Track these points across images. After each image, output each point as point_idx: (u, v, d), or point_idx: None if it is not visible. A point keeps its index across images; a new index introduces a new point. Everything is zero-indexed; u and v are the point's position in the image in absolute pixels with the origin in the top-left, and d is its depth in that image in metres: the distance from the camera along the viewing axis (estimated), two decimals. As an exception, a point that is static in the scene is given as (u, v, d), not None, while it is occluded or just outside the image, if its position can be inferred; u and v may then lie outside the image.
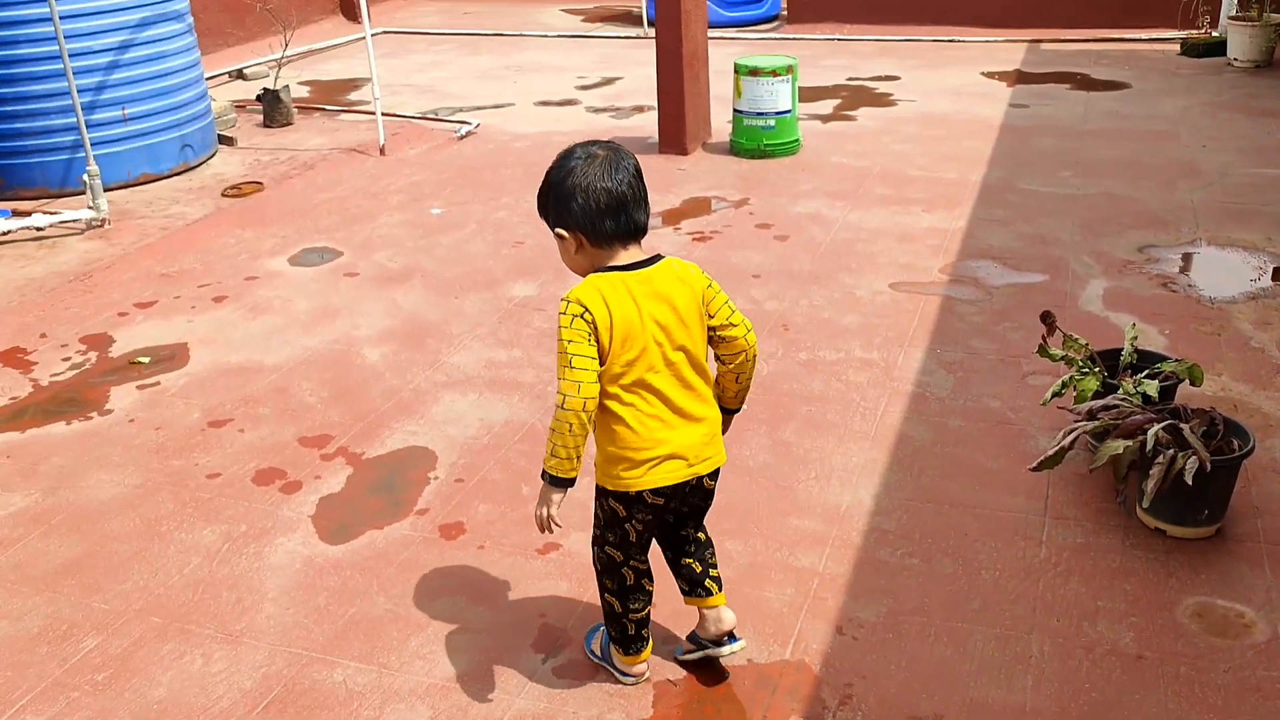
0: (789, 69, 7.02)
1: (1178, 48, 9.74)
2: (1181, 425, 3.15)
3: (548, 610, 3.07)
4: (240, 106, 8.47)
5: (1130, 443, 3.15)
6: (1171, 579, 3.09)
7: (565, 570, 3.24)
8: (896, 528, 3.38)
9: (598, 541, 2.69)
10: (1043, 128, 7.58)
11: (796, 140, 7.22)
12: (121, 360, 4.65)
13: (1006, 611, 3.00)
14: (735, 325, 2.56)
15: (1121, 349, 3.70)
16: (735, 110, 7.19)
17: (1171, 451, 3.08)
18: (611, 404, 2.45)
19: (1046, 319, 3.59)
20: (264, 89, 8.02)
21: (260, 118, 8.16)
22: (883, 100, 8.57)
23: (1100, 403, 3.37)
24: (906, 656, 2.86)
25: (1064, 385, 3.56)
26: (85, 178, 5.97)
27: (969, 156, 7.00)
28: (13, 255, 5.78)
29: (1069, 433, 3.31)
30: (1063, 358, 3.63)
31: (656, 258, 2.51)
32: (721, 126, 7.61)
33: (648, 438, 2.47)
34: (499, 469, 3.76)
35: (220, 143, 7.57)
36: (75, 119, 6.11)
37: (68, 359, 4.68)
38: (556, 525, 2.51)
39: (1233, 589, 3.05)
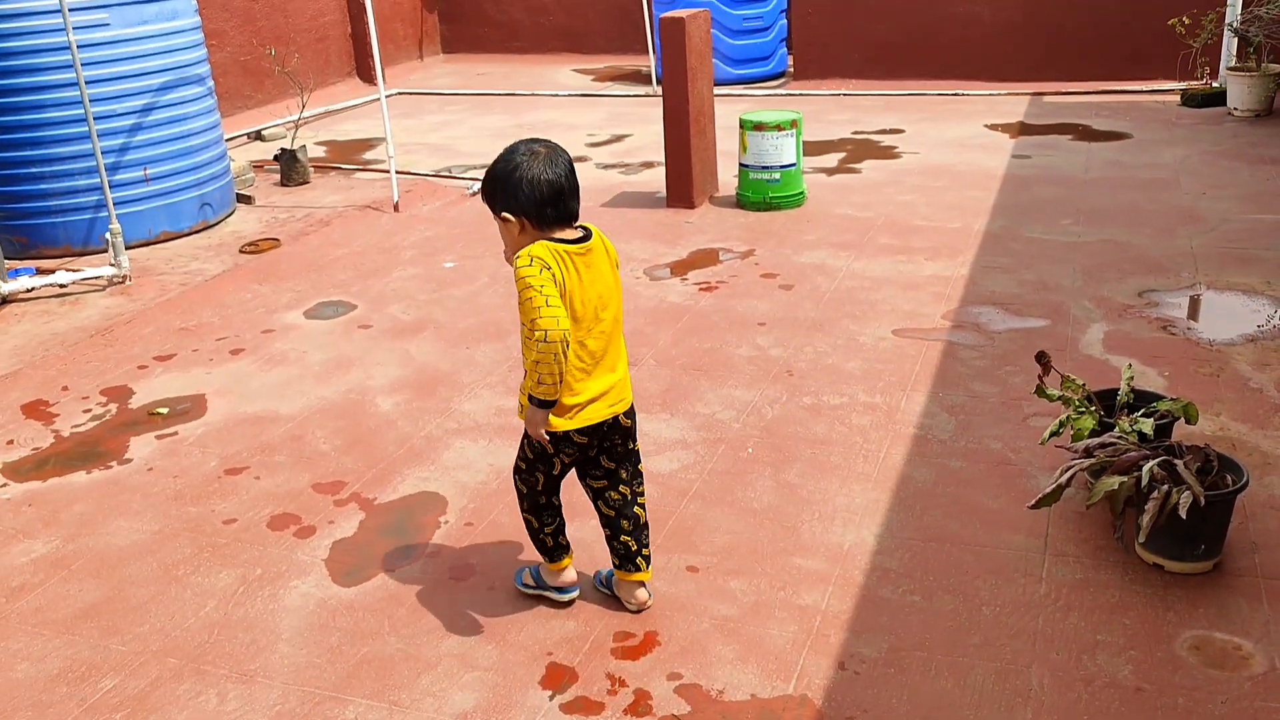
0: (793, 123, 7.17)
1: (1178, 99, 9.88)
2: (1176, 461, 3.21)
3: (555, 649, 3.13)
4: (258, 166, 8.67)
5: (1125, 479, 3.21)
6: (1170, 613, 3.13)
7: (572, 610, 3.30)
8: (898, 566, 3.43)
9: (521, 472, 3.12)
10: (1045, 177, 7.71)
11: (801, 193, 7.35)
12: (141, 411, 4.77)
13: (1007, 646, 3.04)
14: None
15: (1119, 389, 3.77)
16: (741, 164, 7.34)
17: (1166, 487, 3.14)
18: None
19: (1041, 359, 3.66)
20: (281, 149, 8.22)
21: (278, 177, 8.35)
22: (887, 153, 8.72)
23: (1097, 441, 3.44)
24: (908, 691, 2.90)
25: (1061, 425, 3.62)
26: (108, 236, 6.13)
27: (972, 206, 7.11)
28: (37, 312, 5.92)
29: (1066, 470, 3.37)
30: (1060, 398, 3.70)
31: (588, 234, 2.91)
32: (728, 180, 7.75)
33: (577, 387, 2.90)
34: (508, 513, 3.83)
35: (239, 201, 7.75)
36: (99, 179, 6.29)
37: (88, 410, 4.79)
38: (547, 436, 2.93)
39: (1230, 622, 3.09)
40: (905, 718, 2.81)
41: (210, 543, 3.75)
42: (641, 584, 3.21)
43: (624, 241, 6.74)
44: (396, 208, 7.52)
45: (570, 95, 11.88)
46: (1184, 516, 3.04)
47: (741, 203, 7.36)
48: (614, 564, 3.22)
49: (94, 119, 6.17)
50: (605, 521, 3.18)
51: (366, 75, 12.76)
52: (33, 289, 6.05)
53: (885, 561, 3.46)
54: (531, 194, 2.82)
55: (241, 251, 6.79)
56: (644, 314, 5.57)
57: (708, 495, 3.88)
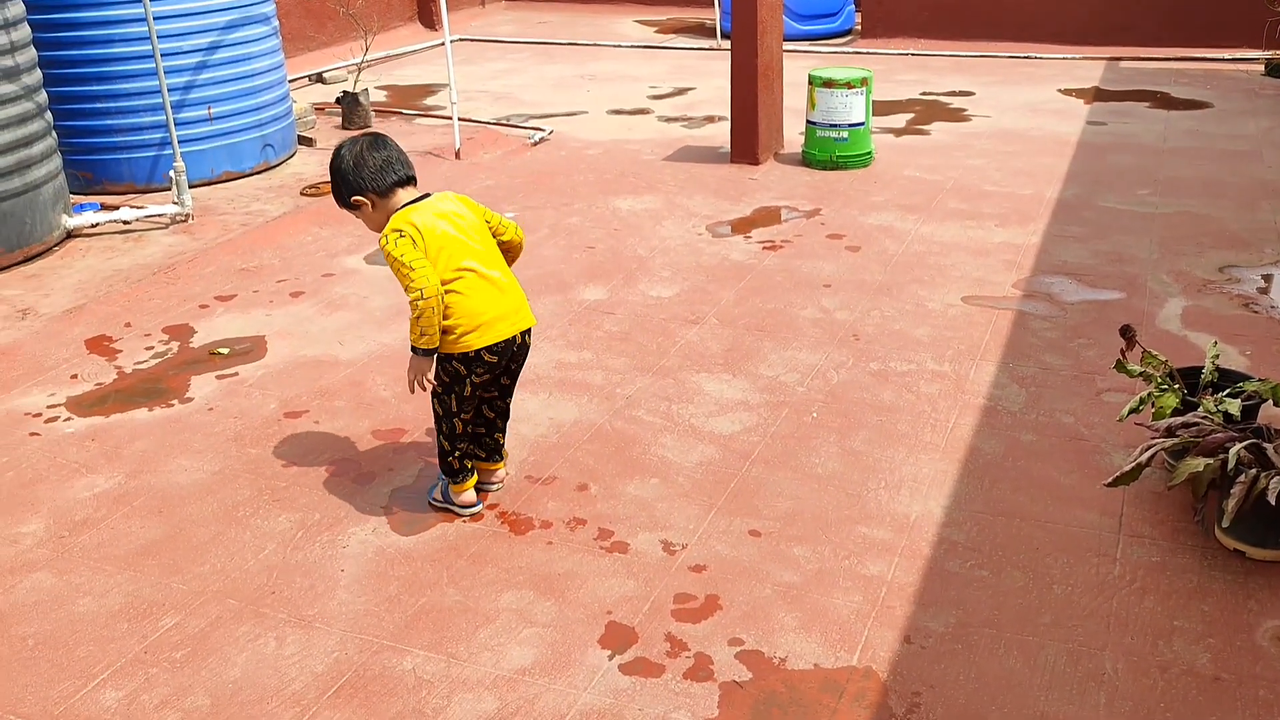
0: (863, 81, 7.01)
1: (1262, 68, 9.54)
2: (1265, 445, 3.09)
3: (615, 607, 3.09)
4: (320, 109, 8.63)
5: (1211, 461, 3.09)
6: (1250, 601, 3.03)
7: (632, 569, 3.26)
8: (966, 539, 3.35)
9: (439, 397, 3.40)
10: (1121, 145, 7.48)
11: (869, 153, 7.19)
12: (202, 351, 4.77)
13: (1079, 627, 2.96)
14: (507, 228, 3.45)
15: (1201, 367, 3.65)
16: (808, 121, 7.19)
17: (1254, 471, 3.02)
18: (446, 289, 3.22)
19: (1126, 333, 3.54)
20: (344, 92, 8.17)
21: (339, 120, 8.31)
22: (957, 115, 8.51)
23: (1180, 420, 3.32)
24: (975, 668, 2.83)
25: (1142, 402, 3.51)
26: (171, 174, 6.13)
27: (1045, 172, 6.92)
28: (101, 247, 5.94)
29: (1146, 449, 3.27)
30: (1141, 374, 3.58)
31: (428, 194, 3.33)
32: (794, 138, 7.61)
33: (478, 306, 3.26)
34: (568, 468, 3.79)
35: (300, 143, 7.72)
36: (164, 117, 6.28)
37: (150, 348, 4.81)
38: (430, 382, 3.31)
39: (1315, 614, 2.98)
40: (972, 695, 2.74)
41: (270, 485, 3.74)
42: (502, 470, 3.67)
43: (686, 196, 6.64)
44: (458, 155, 7.46)
45: (633, 47, 11.71)
46: (1273, 502, 2.93)
47: (807, 161, 7.21)
48: (481, 457, 3.59)
49: (160, 55, 6.14)
50: (485, 423, 3.57)
51: (428, 20, 12.66)
52: (97, 224, 6.07)
53: (952, 534, 3.38)
54: (367, 171, 3.27)
55: (302, 194, 6.76)
56: (706, 271, 5.49)
57: (770, 459, 3.81)
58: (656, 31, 12.69)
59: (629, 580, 3.21)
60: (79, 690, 2.85)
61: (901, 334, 4.73)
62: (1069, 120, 8.19)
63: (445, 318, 3.22)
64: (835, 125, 7.04)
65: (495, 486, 3.66)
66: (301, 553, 3.38)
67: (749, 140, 7.21)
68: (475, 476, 3.54)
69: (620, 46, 11.72)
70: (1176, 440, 3.25)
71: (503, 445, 3.65)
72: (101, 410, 4.28)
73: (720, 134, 7.93)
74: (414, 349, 3.24)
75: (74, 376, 4.56)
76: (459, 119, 7.67)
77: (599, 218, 6.32)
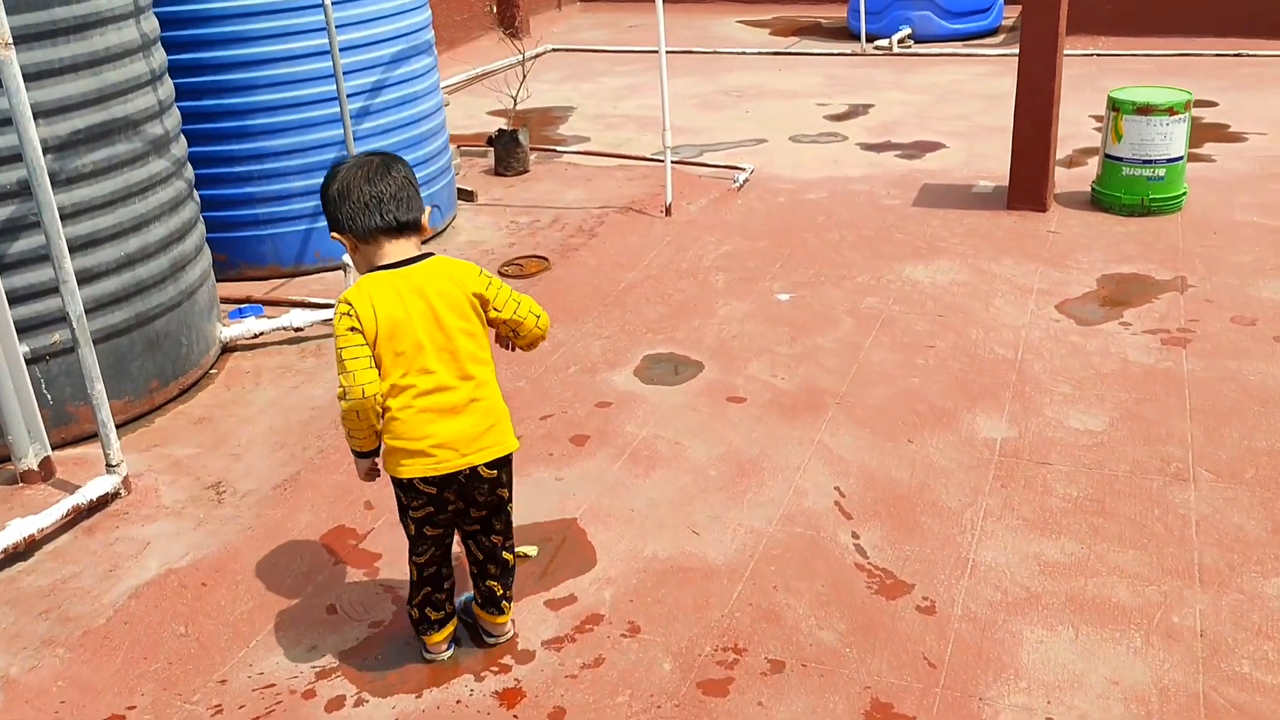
0: (1187, 105, 5.60)
1: None
2: None
3: None
4: (463, 150, 7.11)
5: None
6: None
7: None
8: None
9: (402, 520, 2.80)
10: None
11: (1184, 193, 5.78)
12: (494, 549, 3.29)
13: None
14: (524, 319, 2.69)
15: None
16: (1108, 156, 5.76)
17: None
18: (388, 399, 2.58)
19: None
20: (500, 130, 6.66)
21: (490, 163, 6.80)
22: (1221, 133, 7.11)
23: None
24: None
25: None
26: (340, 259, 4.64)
27: None
28: (273, 368, 4.36)
29: None
30: None
31: (425, 255, 2.64)
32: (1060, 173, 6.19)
33: (416, 429, 2.59)
34: (1233, 800, 2.36)
35: (459, 198, 6.22)
36: (318, 181, 4.78)
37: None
38: (377, 475, 2.76)
39: None
40: None
41: None
42: (505, 623, 2.94)
43: (989, 260, 5.21)
44: (669, 211, 5.98)
45: (760, 53, 10.25)
46: None
47: (1106, 204, 5.79)
48: (478, 602, 2.92)
49: (317, 103, 4.67)
50: (473, 562, 2.87)
51: (509, 27, 11.14)
52: (260, 334, 4.57)
53: None
54: (349, 205, 2.59)
55: (501, 272, 5.26)
56: (1116, 383, 4.05)
57: None
58: (771, 34, 11.25)
59: None
60: None
61: None
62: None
63: (384, 429, 2.63)
64: (1150, 161, 5.62)
65: (494, 640, 2.93)
66: None
67: (1036, 181, 5.78)
68: (445, 629, 2.87)
69: (745, 54, 10.25)
70: None
71: (501, 597, 2.87)
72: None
73: (953, 166, 6.57)
74: (351, 449, 2.73)
75: (331, 609, 3.09)
76: (619, 155, 6.20)
77: (901, 296, 4.88)
